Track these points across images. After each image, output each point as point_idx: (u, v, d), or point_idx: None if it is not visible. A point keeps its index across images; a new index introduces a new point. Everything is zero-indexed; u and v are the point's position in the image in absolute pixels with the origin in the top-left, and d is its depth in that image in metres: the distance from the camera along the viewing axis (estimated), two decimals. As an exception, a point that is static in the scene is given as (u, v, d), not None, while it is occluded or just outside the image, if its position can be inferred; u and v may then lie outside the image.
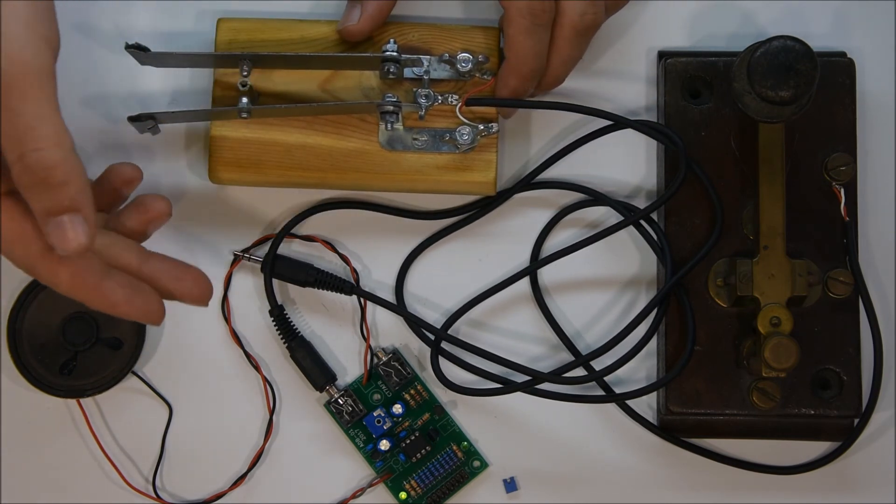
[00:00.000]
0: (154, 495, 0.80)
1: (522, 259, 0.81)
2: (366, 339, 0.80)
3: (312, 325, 0.81)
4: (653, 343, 0.80)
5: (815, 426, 0.79)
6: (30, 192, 0.62)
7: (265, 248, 0.81)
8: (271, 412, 0.80)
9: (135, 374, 0.80)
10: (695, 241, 0.79)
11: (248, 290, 0.81)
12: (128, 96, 0.81)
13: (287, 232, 0.81)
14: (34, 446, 0.80)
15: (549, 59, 0.77)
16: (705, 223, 0.79)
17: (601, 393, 0.80)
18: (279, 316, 0.80)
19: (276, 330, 0.80)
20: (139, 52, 0.76)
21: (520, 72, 0.76)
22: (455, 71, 0.78)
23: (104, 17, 0.82)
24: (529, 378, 0.77)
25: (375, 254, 0.81)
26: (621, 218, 0.79)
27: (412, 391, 0.80)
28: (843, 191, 0.78)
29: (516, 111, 0.80)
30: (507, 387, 0.78)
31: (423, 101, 0.78)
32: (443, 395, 0.80)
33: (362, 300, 0.81)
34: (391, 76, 0.78)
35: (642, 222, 0.79)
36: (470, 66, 0.78)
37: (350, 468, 0.80)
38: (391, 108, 0.77)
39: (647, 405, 0.81)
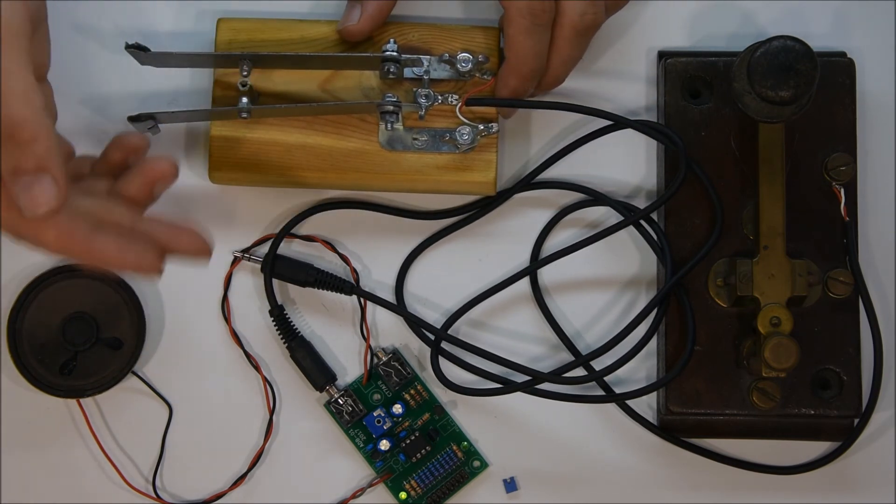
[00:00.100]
0: (154, 495, 0.80)
1: (522, 259, 0.81)
2: (366, 339, 0.80)
3: (312, 325, 0.81)
4: (653, 343, 0.80)
5: (815, 426, 0.79)
6: None
7: (265, 248, 0.81)
8: (271, 412, 0.80)
9: (135, 374, 0.80)
10: (695, 241, 0.79)
11: (248, 290, 0.81)
12: (128, 96, 0.81)
13: (287, 232, 0.81)
14: (34, 446, 0.80)
15: (549, 59, 0.77)
16: (705, 223, 0.79)
17: (601, 393, 0.80)
18: (279, 316, 0.80)
19: (276, 330, 0.80)
20: (139, 52, 0.76)
21: (520, 72, 0.76)
22: (455, 71, 0.78)
23: (104, 17, 0.82)
24: (529, 378, 0.77)
25: (375, 254, 0.81)
26: (621, 218, 0.79)
27: (412, 391, 0.80)
28: (843, 191, 0.78)
29: (516, 111, 0.80)
30: (507, 387, 0.78)
31: (423, 101, 0.78)
32: (443, 395, 0.80)
33: (362, 300, 0.81)
34: (391, 76, 0.78)
35: (642, 222, 0.79)
36: (470, 66, 0.78)
37: (350, 468, 0.80)
38: (391, 108, 0.77)
39: (647, 405, 0.81)
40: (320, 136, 0.78)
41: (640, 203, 0.81)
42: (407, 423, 0.80)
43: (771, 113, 0.73)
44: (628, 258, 0.81)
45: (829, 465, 0.79)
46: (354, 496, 0.80)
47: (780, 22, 0.82)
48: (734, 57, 0.76)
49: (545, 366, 0.80)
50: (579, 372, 0.79)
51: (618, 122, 0.78)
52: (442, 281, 0.81)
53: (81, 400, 0.80)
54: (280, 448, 0.80)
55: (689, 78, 0.80)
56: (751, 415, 0.78)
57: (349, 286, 0.80)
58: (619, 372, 0.78)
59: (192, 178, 0.81)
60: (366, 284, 0.81)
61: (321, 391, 0.80)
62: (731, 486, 0.80)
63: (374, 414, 0.80)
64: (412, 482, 0.80)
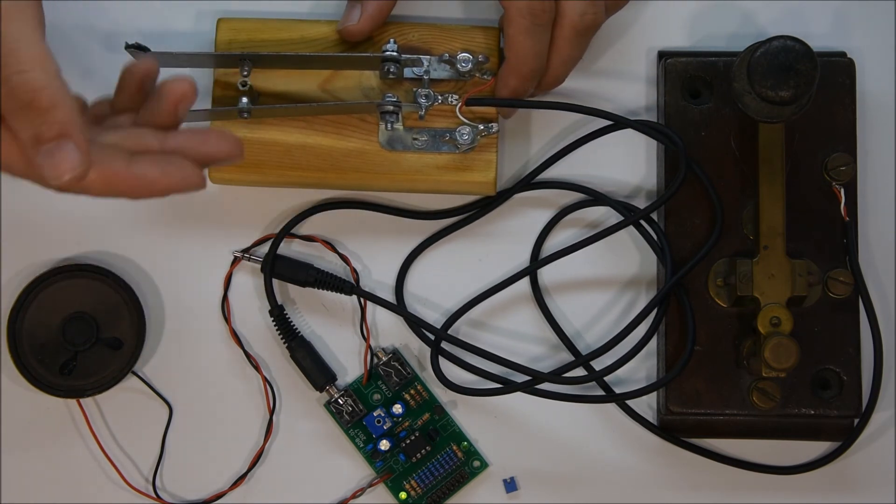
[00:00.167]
0: (154, 495, 0.80)
1: (522, 259, 0.81)
2: (366, 339, 0.80)
3: (312, 325, 0.81)
4: (653, 343, 0.80)
5: (815, 426, 0.79)
6: (17, 119, 0.60)
7: (265, 248, 0.81)
8: (271, 412, 0.80)
9: (135, 374, 0.80)
10: (695, 241, 0.79)
11: (248, 290, 0.81)
12: (128, 96, 0.81)
13: (287, 232, 0.81)
14: (34, 446, 0.80)
15: (549, 59, 0.77)
16: (705, 223, 0.79)
17: (601, 393, 0.80)
18: (279, 316, 0.80)
19: (276, 330, 0.80)
20: (139, 52, 0.76)
21: (520, 72, 0.76)
22: (455, 71, 0.78)
23: (104, 17, 0.82)
24: (529, 378, 0.77)
25: (375, 254, 0.81)
26: (621, 218, 0.79)
27: (412, 391, 0.80)
28: (843, 191, 0.78)
29: (516, 111, 0.80)
30: (507, 387, 0.78)
31: (423, 101, 0.78)
32: (443, 395, 0.80)
33: (362, 300, 0.81)
34: (391, 76, 0.78)
35: (642, 222, 0.79)
36: (470, 66, 0.78)
37: (350, 468, 0.80)
38: (391, 108, 0.77)
39: (647, 405, 0.81)
40: (320, 136, 0.78)
41: (640, 203, 0.81)
42: (407, 423, 0.80)
43: (771, 113, 0.73)
44: (628, 258, 0.81)
45: (829, 465, 0.79)
46: (354, 496, 0.80)
47: (780, 22, 0.82)
48: (734, 57, 0.76)
49: (545, 366, 0.80)
50: (579, 372, 0.79)
51: (618, 122, 0.78)
52: (442, 281, 0.81)
53: (81, 400, 0.80)
54: (280, 448, 0.80)
55: (689, 78, 0.80)
56: (751, 415, 0.78)
57: (349, 286, 0.80)
58: (619, 372, 0.78)
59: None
60: (366, 284, 0.81)
61: (321, 391, 0.80)
62: (731, 486, 0.80)
63: (374, 414, 0.80)
64: (412, 482, 0.80)
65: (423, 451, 0.80)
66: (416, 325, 0.80)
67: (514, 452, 0.80)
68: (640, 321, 0.77)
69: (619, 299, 0.81)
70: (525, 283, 0.81)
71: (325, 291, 0.80)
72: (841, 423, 0.79)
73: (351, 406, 0.80)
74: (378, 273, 0.81)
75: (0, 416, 0.80)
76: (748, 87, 0.72)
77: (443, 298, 0.81)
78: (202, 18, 0.82)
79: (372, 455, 0.80)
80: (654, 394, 0.80)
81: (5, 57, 0.59)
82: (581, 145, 0.80)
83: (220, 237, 0.81)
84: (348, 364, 0.81)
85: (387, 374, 0.80)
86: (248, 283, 0.81)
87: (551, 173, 0.81)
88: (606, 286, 0.81)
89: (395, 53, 0.78)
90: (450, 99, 0.78)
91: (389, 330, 0.81)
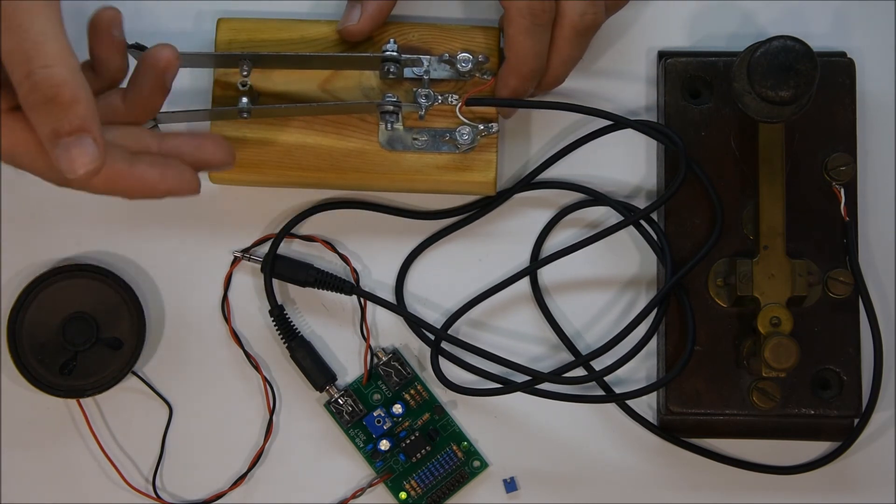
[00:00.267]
0: (154, 495, 0.80)
1: (522, 259, 0.81)
2: (366, 339, 0.80)
3: (312, 325, 0.81)
4: (653, 343, 0.80)
5: (815, 426, 0.79)
6: (37, 113, 0.61)
7: (265, 248, 0.81)
8: (271, 412, 0.80)
9: (135, 374, 0.80)
10: (695, 241, 0.79)
11: (248, 290, 0.81)
12: (128, 96, 0.81)
13: (287, 232, 0.81)
14: (34, 446, 0.80)
15: (549, 59, 0.77)
16: (705, 223, 0.79)
17: (601, 393, 0.80)
18: (279, 316, 0.80)
19: (276, 330, 0.80)
20: (139, 51, 0.75)
21: (520, 72, 0.76)
22: (455, 71, 0.78)
23: (104, 17, 0.82)
24: (529, 378, 0.77)
25: (375, 254, 0.81)
26: (621, 218, 0.79)
27: (412, 391, 0.80)
28: (843, 191, 0.78)
29: (516, 111, 0.80)
30: (507, 387, 0.78)
31: (423, 101, 0.78)
32: (443, 395, 0.80)
33: (362, 300, 0.81)
34: (391, 76, 0.78)
35: (642, 222, 0.79)
36: (470, 66, 0.78)
37: (350, 468, 0.80)
38: (391, 108, 0.77)
39: (647, 405, 0.81)
40: (320, 136, 0.78)
41: (640, 203, 0.81)
42: (407, 423, 0.80)
43: (771, 113, 0.73)
44: (628, 258, 0.81)
45: (829, 465, 0.79)
46: (354, 496, 0.80)
47: (780, 22, 0.82)
48: (734, 57, 0.76)
49: (545, 366, 0.80)
50: (579, 372, 0.79)
51: (618, 122, 0.78)
52: (442, 281, 0.81)
53: (81, 400, 0.80)
54: (280, 448, 0.80)
55: (689, 78, 0.80)
56: (751, 415, 0.78)
57: (349, 286, 0.80)
58: (619, 372, 0.78)
59: (192, 178, 0.81)
60: (366, 284, 0.81)
61: (321, 391, 0.80)
62: (731, 486, 0.80)
63: (374, 414, 0.80)
64: (412, 482, 0.80)
65: (423, 451, 0.80)
66: (416, 325, 0.80)
67: (514, 452, 0.80)
68: (640, 321, 0.77)
69: (619, 299, 0.81)
70: (525, 283, 0.81)
71: (325, 291, 0.80)
72: (841, 423, 0.79)
73: (351, 406, 0.80)
74: (378, 273, 0.81)
75: (0, 416, 0.80)
76: (748, 87, 0.72)
77: (443, 298, 0.81)
78: (202, 18, 0.82)
79: (372, 455, 0.80)
80: (654, 394, 0.80)
81: (30, 51, 0.60)
82: (581, 145, 0.80)
83: (220, 237, 0.81)
84: (348, 364, 0.81)
85: (387, 374, 0.80)
86: (248, 283, 0.81)
87: (551, 173, 0.81)
88: (606, 286, 0.81)
89: (395, 53, 0.78)
90: (450, 99, 0.78)
91: (389, 330, 0.81)
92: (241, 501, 0.80)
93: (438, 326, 0.80)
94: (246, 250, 0.81)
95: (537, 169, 0.81)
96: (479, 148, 0.78)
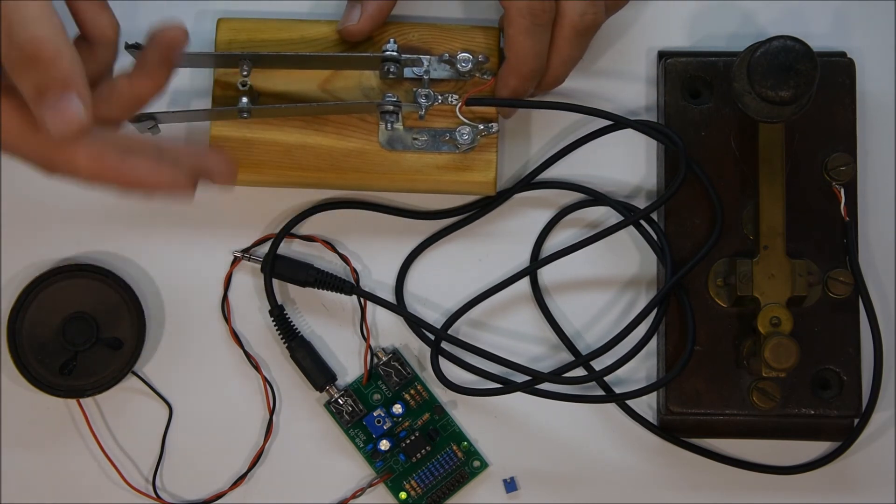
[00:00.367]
0: (154, 495, 0.80)
1: (522, 259, 0.81)
2: (366, 339, 0.80)
3: (312, 325, 0.81)
4: (653, 343, 0.80)
5: (815, 426, 0.79)
6: (20, 72, 0.60)
7: (265, 248, 0.81)
8: (271, 412, 0.80)
9: (135, 374, 0.80)
10: (695, 241, 0.79)
11: (248, 290, 0.81)
12: (128, 96, 0.81)
13: (287, 232, 0.81)
14: (34, 446, 0.80)
15: (549, 59, 0.77)
16: (705, 223, 0.79)
17: (601, 393, 0.80)
18: (279, 316, 0.80)
19: (276, 330, 0.80)
20: (139, 52, 0.76)
21: (520, 72, 0.76)
22: (455, 71, 0.78)
23: (104, 17, 0.82)
24: (529, 378, 0.77)
25: (375, 254, 0.81)
26: (621, 218, 0.79)
27: (412, 391, 0.80)
28: (843, 191, 0.78)
29: (516, 111, 0.80)
30: (507, 387, 0.78)
31: (423, 101, 0.78)
32: (443, 395, 0.80)
33: (362, 300, 0.81)
34: (391, 76, 0.78)
35: (642, 222, 0.79)
36: (470, 66, 0.78)
37: (350, 468, 0.80)
38: (391, 108, 0.77)
39: (647, 405, 0.81)
40: (320, 136, 0.78)
41: (640, 203, 0.81)
42: (407, 423, 0.80)
43: (771, 113, 0.73)
44: (628, 258, 0.81)
45: (829, 465, 0.79)
46: (354, 496, 0.80)
47: (780, 22, 0.82)
48: (734, 57, 0.76)
49: (545, 366, 0.80)
50: (579, 372, 0.79)
51: (618, 122, 0.78)
52: (442, 281, 0.81)
53: (81, 400, 0.80)
54: (280, 448, 0.80)
55: (689, 78, 0.80)
56: (751, 415, 0.78)
57: (349, 286, 0.80)
58: (619, 372, 0.78)
59: (192, 178, 0.81)
60: (366, 284, 0.81)
61: (321, 391, 0.80)
62: (731, 486, 0.80)
63: (374, 414, 0.80)
64: (412, 482, 0.80)
65: (423, 451, 0.80)
66: (416, 325, 0.80)
67: (514, 452, 0.80)
68: (640, 321, 0.77)
69: (619, 299, 0.81)
70: (525, 283, 0.81)
71: (325, 291, 0.80)
72: (841, 423, 0.79)
73: (351, 406, 0.80)
74: (378, 273, 0.81)
75: (0, 416, 0.80)
76: (748, 87, 0.72)
77: (443, 298, 0.81)
78: (202, 18, 0.82)
79: (372, 455, 0.80)
80: (654, 394, 0.80)
81: (10, 12, 0.60)
82: (581, 145, 0.80)
83: (220, 237, 0.81)
84: (348, 364, 0.81)
85: (387, 374, 0.80)
86: (248, 283, 0.81)
87: (551, 173, 0.81)
88: (606, 286, 0.81)
89: (395, 53, 0.78)
90: (450, 99, 0.78)
91: (389, 330, 0.81)
92: (241, 501, 0.80)
93: (438, 326, 0.80)
94: (246, 250, 0.81)
95: (537, 169, 0.81)
96: (479, 148, 0.78)
